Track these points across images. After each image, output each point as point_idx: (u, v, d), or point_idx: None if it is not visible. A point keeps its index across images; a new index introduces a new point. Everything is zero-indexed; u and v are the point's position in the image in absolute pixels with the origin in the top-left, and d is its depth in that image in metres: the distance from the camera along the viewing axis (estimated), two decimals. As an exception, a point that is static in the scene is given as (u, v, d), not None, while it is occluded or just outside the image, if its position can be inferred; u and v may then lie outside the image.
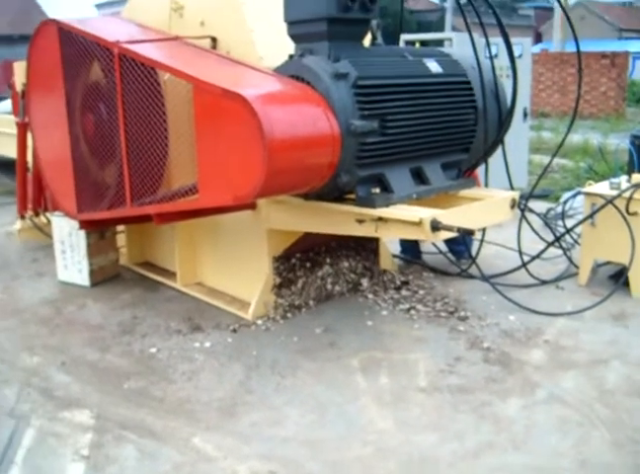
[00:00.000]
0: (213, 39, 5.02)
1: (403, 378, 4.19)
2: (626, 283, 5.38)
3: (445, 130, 4.58)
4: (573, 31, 5.18)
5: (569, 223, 6.35)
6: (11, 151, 8.19)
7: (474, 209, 4.45)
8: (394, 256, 6.21)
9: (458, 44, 8.00)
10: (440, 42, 8.38)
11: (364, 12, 4.29)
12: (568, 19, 5.54)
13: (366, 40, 4.75)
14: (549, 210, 7.56)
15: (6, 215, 8.44)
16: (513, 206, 4.70)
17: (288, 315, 5.08)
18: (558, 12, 31.32)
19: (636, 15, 45.66)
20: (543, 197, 8.85)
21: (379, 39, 4.77)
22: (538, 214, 6.32)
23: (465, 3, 5.65)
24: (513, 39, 8.53)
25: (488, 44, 4.82)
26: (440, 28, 32.84)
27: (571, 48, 29.63)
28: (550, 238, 6.06)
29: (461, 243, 6.09)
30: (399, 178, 4.34)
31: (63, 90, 5.24)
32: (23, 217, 7.16)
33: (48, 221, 6.87)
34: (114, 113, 4.76)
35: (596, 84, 21.35)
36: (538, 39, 44.71)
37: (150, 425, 3.71)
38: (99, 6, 59.33)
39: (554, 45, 29.84)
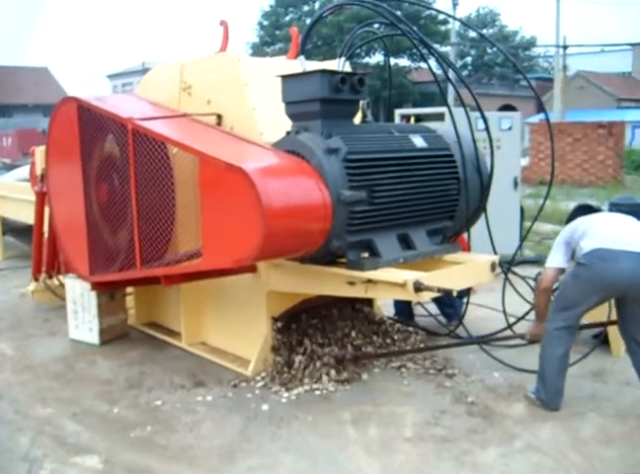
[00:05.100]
0: (219, 117, 5.47)
1: (390, 429, 4.49)
2: (606, 342, 5.69)
3: (430, 200, 4.98)
4: (540, 103, 5.63)
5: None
6: (25, 216, 8.66)
7: (455, 272, 4.81)
8: (388, 318, 6.53)
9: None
10: (440, 115, 8.79)
11: (354, 93, 4.77)
12: (535, 93, 5.98)
13: (358, 118, 5.20)
14: (538, 274, 7.87)
15: (18, 279, 8.87)
16: (493, 269, 5.06)
17: (285, 371, 5.38)
18: (558, 83, 32.31)
19: (634, 84, 46.76)
20: (536, 262, 9.19)
21: (369, 117, 5.21)
22: (522, 277, 6.65)
23: (457, 80, 6.08)
24: (504, 113, 9.10)
25: (468, 118, 5.24)
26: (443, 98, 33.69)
27: (570, 118, 30.48)
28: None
29: (451, 306, 6.43)
30: (386, 243, 4.73)
31: (80, 161, 5.67)
32: (37, 279, 7.53)
33: (60, 284, 7.25)
34: (126, 182, 5.18)
35: (593, 153, 21.83)
36: (540, 109, 45.73)
37: (155, 469, 4.02)
38: (111, 76, 61.03)
39: (554, 115, 30.65)
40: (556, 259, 4.83)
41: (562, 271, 4.85)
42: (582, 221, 4.79)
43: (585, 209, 5.41)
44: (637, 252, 4.40)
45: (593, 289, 4.55)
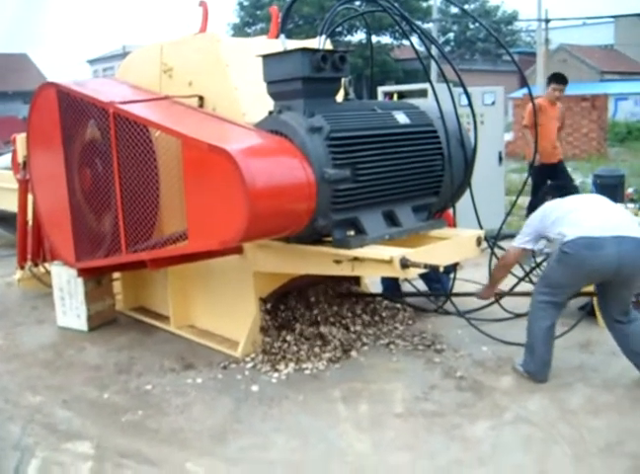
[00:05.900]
0: (200, 98, 5.42)
1: (381, 406, 4.52)
2: (592, 313, 5.73)
3: (414, 176, 4.98)
4: (523, 77, 5.62)
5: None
6: (8, 205, 8.58)
7: (441, 247, 4.82)
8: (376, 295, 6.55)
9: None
10: (423, 92, 8.79)
11: (336, 71, 4.74)
12: (518, 67, 5.98)
13: (340, 96, 5.18)
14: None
15: (3, 268, 8.80)
16: (479, 244, 5.08)
17: (274, 352, 5.40)
18: (540, 57, 32.30)
19: (617, 57, 46.78)
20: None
21: (351, 95, 5.19)
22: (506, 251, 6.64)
23: (439, 56, 6.08)
24: (487, 88, 9.10)
25: (451, 94, 5.23)
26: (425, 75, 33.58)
27: (554, 92, 30.35)
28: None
29: (438, 282, 6.45)
30: (372, 221, 4.73)
31: (62, 147, 5.61)
32: (22, 268, 7.49)
33: (47, 271, 7.21)
34: (109, 167, 5.14)
35: (577, 126, 21.86)
36: (523, 83, 45.71)
37: (146, 453, 4.03)
38: (91, 61, 60.49)
39: (537, 89, 30.62)
40: (523, 240, 4.88)
41: (527, 251, 4.95)
42: (552, 208, 4.78)
43: (556, 190, 5.39)
44: (622, 236, 4.39)
45: (579, 276, 4.58)
